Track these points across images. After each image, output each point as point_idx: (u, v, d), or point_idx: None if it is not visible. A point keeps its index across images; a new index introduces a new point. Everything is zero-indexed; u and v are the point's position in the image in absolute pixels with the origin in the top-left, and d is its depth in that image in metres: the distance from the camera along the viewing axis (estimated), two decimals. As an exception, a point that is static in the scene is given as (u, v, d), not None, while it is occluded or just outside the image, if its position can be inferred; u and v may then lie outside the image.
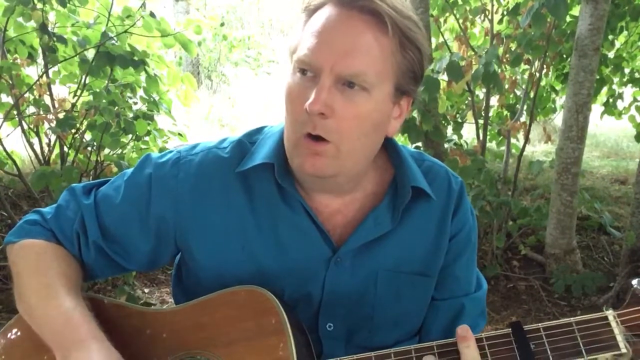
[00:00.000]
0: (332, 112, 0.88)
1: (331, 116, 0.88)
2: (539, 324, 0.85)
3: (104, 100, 2.92)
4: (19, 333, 1.01)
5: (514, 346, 0.85)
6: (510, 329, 0.86)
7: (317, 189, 1.02)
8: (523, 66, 3.85)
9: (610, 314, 0.83)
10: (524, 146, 3.78)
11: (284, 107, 0.96)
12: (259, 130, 1.10)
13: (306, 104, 0.87)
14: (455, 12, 3.70)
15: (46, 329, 0.94)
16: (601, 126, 6.06)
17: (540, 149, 6.11)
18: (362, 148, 0.95)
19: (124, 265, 1.08)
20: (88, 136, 3.17)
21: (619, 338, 0.81)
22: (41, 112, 3.13)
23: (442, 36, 3.92)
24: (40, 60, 3.23)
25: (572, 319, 0.84)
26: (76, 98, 3.20)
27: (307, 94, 0.88)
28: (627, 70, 4.68)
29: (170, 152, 1.08)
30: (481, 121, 3.68)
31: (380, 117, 0.94)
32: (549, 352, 0.83)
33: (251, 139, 1.07)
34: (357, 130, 0.92)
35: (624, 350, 0.80)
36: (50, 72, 3.25)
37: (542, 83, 4.26)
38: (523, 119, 3.83)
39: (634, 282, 0.84)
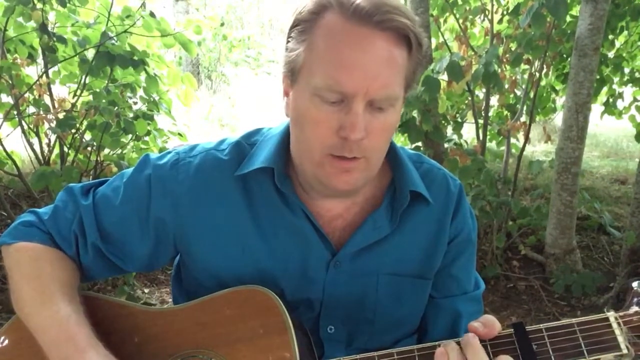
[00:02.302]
0: (367, 133, 0.88)
1: (366, 137, 0.88)
2: (541, 325, 0.85)
3: (104, 100, 2.92)
4: (18, 333, 1.00)
5: (516, 346, 0.85)
6: (512, 330, 0.86)
7: (325, 195, 1.01)
8: (523, 66, 3.85)
9: (611, 315, 0.83)
10: (524, 146, 3.78)
11: (295, 125, 0.94)
12: (257, 131, 1.09)
13: (345, 133, 0.86)
14: (455, 12, 3.70)
15: (42, 337, 0.93)
16: (601, 126, 6.06)
17: (540, 149, 6.11)
18: (384, 153, 0.97)
19: (122, 266, 1.07)
20: (88, 136, 3.16)
21: (620, 339, 0.81)
22: (41, 112, 3.13)
23: (442, 36, 3.92)
24: (40, 60, 3.23)
25: (573, 320, 0.84)
26: (76, 98, 3.20)
27: (333, 118, 0.87)
28: (627, 70, 4.67)
29: (169, 152, 1.07)
30: (481, 121, 3.68)
31: (398, 121, 0.96)
32: (550, 352, 0.83)
33: (249, 140, 1.07)
34: (385, 142, 0.94)
35: (625, 351, 0.81)
36: (50, 72, 3.25)
37: (542, 83, 4.26)
38: (523, 118, 3.83)
39: (634, 284, 0.85)
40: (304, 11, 0.88)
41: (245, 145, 1.06)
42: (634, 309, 0.83)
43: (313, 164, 0.92)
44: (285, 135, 1.03)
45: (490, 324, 0.86)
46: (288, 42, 0.91)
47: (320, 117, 0.88)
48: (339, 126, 0.87)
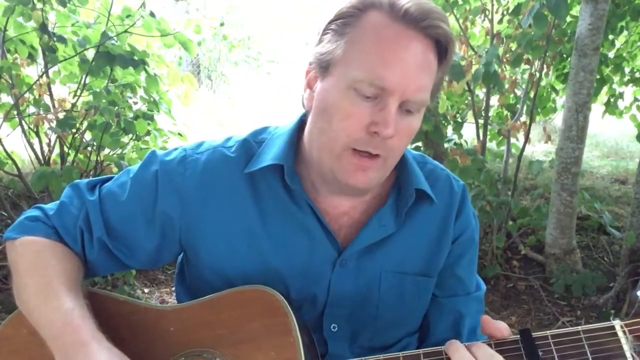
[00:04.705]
0: (395, 133, 0.89)
1: (393, 137, 0.89)
2: (547, 332, 0.86)
3: (104, 100, 2.92)
4: (22, 326, 1.00)
5: (522, 353, 0.85)
6: (518, 336, 0.86)
7: (334, 192, 1.02)
8: (523, 66, 3.85)
9: (617, 324, 0.84)
10: (524, 146, 3.78)
11: (320, 116, 0.94)
12: (264, 130, 1.10)
13: (377, 129, 0.87)
14: (455, 12, 3.69)
15: (45, 331, 0.93)
16: (601, 126, 6.06)
17: (540, 149, 6.11)
18: (399, 158, 0.98)
19: (127, 262, 1.07)
20: (88, 136, 3.17)
21: (626, 348, 0.81)
22: (41, 112, 3.13)
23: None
24: (40, 60, 3.23)
25: (579, 327, 0.85)
26: (76, 98, 3.20)
27: (365, 113, 0.88)
28: (627, 70, 4.68)
29: (176, 149, 1.08)
30: (481, 121, 3.68)
31: (418, 128, 0.97)
32: (557, 359, 0.83)
33: (257, 138, 1.07)
34: (405, 145, 0.96)
35: None
36: (50, 72, 3.25)
37: (542, 83, 4.26)
38: (523, 118, 3.83)
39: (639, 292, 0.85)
40: (348, 6, 0.91)
41: (253, 143, 1.06)
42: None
43: (333, 156, 0.93)
44: (295, 133, 1.03)
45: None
46: (325, 34, 0.93)
47: (352, 110, 0.89)
48: (369, 121, 0.88)
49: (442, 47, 0.91)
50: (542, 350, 0.84)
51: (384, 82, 0.86)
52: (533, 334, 0.86)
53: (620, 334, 0.82)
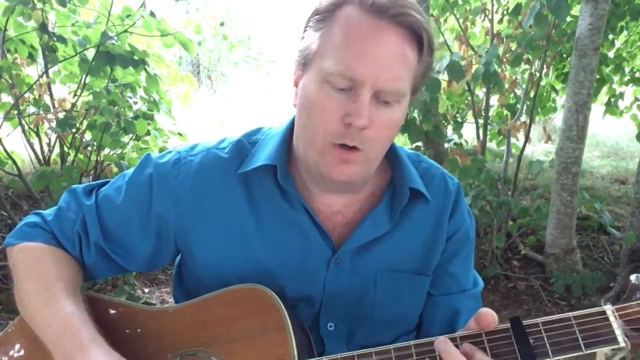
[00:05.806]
0: (371, 124, 0.89)
1: (369, 128, 0.89)
2: (538, 319, 0.86)
3: (104, 100, 2.92)
4: (23, 332, 1.01)
5: (513, 341, 0.85)
6: (509, 324, 0.86)
7: (326, 189, 1.02)
8: (523, 66, 3.85)
9: (608, 308, 0.84)
10: (524, 146, 3.77)
11: (301, 112, 0.95)
12: (258, 130, 1.10)
13: (350, 119, 0.88)
14: (455, 12, 3.69)
15: (46, 335, 0.94)
16: (601, 126, 6.06)
17: (540, 148, 6.10)
18: (384, 151, 0.98)
19: (124, 265, 1.08)
20: (88, 136, 3.17)
21: (617, 332, 0.81)
22: (41, 112, 3.13)
23: (442, 36, 3.91)
24: (40, 60, 3.23)
25: (570, 313, 0.85)
26: (76, 98, 3.20)
27: (340, 106, 0.89)
28: (627, 70, 4.67)
29: (170, 152, 1.08)
30: (481, 121, 3.68)
31: (402, 121, 0.97)
32: (548, 346, 0.83)
33: (250, 139, 1.08)
34: (387, 138, 0.96)
35: (622, 344, 0.81)
36: (50, 72, 3.26)
37: (542, 83, 4.26)
38: (523, 118, 3.83)
39: (632, 277, 0.85)
40: (324, 2, 0.92)
41: (247, 144, 1.07)
42: (631, 302, 0.83)
43: (315, 151, 0.94)
44: (288, 134, 1.04)
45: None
46: (305, 31, 0.94)
47: (327, 103, 0.90)
48: (344, 113, 0.89)
49: (420, 38, 0.90)
50: (533, 337, 0.84)
51: (354, 73, 0.87)
52: (523, 321, 0.86)
53: (611, 318, 0.83)
